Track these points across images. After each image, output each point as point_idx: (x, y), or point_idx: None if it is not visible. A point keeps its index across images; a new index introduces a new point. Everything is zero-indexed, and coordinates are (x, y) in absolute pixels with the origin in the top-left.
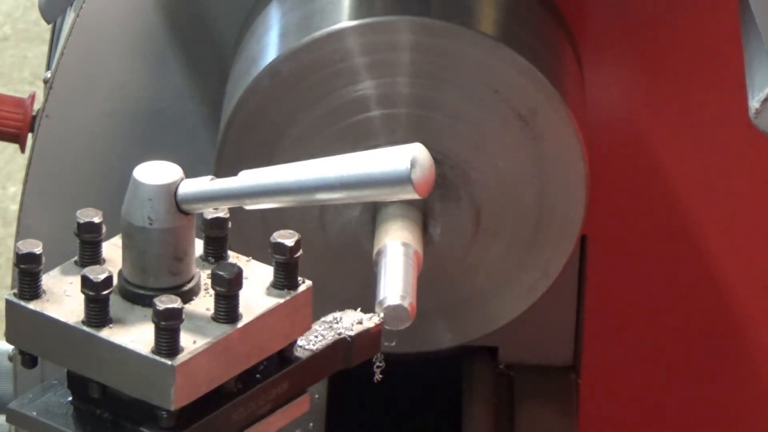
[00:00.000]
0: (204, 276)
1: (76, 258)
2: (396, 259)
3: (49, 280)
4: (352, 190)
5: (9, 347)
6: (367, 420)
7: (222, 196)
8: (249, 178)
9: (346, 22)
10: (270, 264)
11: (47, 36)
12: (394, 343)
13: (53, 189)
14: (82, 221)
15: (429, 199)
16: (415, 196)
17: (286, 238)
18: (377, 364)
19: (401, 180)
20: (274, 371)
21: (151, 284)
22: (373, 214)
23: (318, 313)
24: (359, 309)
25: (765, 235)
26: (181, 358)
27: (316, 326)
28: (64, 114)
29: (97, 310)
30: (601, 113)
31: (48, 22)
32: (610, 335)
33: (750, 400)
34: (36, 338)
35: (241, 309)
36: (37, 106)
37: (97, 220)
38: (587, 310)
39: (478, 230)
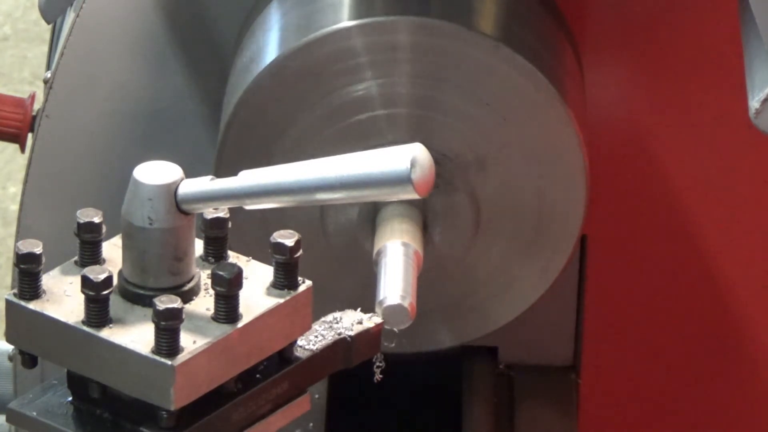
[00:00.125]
0: (204, 276)
1: (76, 258)
2: (396, 259)
3: (49, 280)
4: (352, 190)
5: (9, 347)
6: (367, 420)
7: (222, 196)
8: (249, 178)
9: (346, 22)
10: (270, 264)
11: (47, 36)
12: (393, 344)
13: (53, 189)
14: (82, 221)
15: (429, 199)
16: (415, 196)
17: (286, 238)
18: (377, 364)
19: (401, 180)
20: (274, 371)
21: (151, 284)
22: (373, 214)
23: (318, 313)
24: (359, 309)
25: (765, 235)
26: (181, 358)
27: (316, 326)
28: (64, 114)
29: (97, 310)
30: (601, 113)
31: (48, 22)
32: (610, 335)
33: (750, 400)
34: (36, 338)
35: (241, 309)
36: (37, 106)
37: (97, 220)
38: (587, 310)
39: (478, 230)
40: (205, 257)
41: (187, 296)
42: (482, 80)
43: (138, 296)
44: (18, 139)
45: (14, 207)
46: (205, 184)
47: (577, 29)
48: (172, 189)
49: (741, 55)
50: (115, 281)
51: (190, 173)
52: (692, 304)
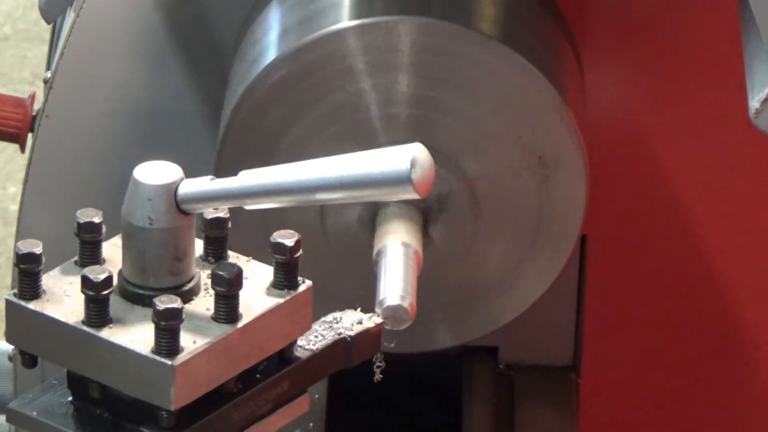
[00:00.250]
0: (204, 276)
1: (76, 258)
2: (396, 259)
3: (49, 280)
4: (352, 190)
5: (9, 347)
6: (367, 420)
7: (222, 196)
8: (249, 178)
9: (346, 22)
10: (270, 264)
11: (47, 36)
12: (393, 344)
13: (53, 189)
14: (82, 221)
15: (429, 199)
16: (415, 196)
17: (286, 238)
18: (377, 364)
19: (401, 180)
20: (274, 371)
21: (151, 284)
22: (373, 214)
23: (318, 313)
24: (359, 309)
25: (765, 235)
26: (181, 358)
27: (316, 326)
28: (64, 114)
29: (97, 310)
30: (601, 113)
31: (48, 22)
32: (610, 335)
33: (750, 400)
34: (36, 338)
35: (241, 309)
36: (37, 106)
37: (97, 220)
38: (587, 310)
39: (478, 230)
40: (205, 257)
41: (187, 296)
42: (482, 80)
43: (138, 296)
44: (18, 139)
45: (14, 207)
46: (205, 184)
47: (577, 29)
48: (172, 189)
49: (741, 55)
50: (115, 281)
51: (190, 173)
52: (692, 304)
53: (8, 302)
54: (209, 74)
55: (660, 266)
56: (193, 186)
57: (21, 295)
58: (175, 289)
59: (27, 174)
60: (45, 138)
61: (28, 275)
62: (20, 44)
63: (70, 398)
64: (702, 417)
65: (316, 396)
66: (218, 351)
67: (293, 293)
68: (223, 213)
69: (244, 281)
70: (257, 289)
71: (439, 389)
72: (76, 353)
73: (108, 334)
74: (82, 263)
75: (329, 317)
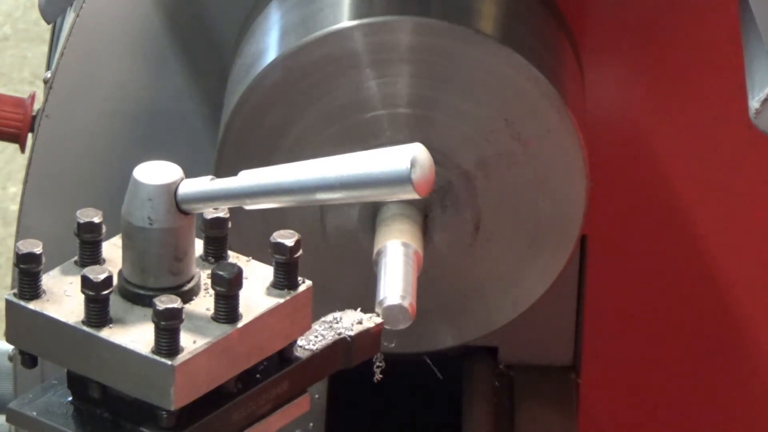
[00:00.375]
0: (204, 276)
1: (76, 258)
2: (396, 259)
3: (49, 280)
4: (352, 190)
5: (9, 347)
6: (367, 420)
7: (222, 196)
8: (249, 178)
9: (346, 22)
10: (270, 264)
11: (47, 36)
12: (393, 344)
13: (53, 189)
14: (82, 221)
15: (429, 199)
16: (415, 196)
17: (286, 238)
18: (377, 364)
19: (401, 180)
20: (274, 371)
21: (151, 284)
22: (373, 214)
23: (318, 313)
24: (359, 309)
25: (765, 235)
26: (181, 358)
27: (316, 326)
28: (64, 114)
29: (97, 310)
30: (601, 113)
31: (48, 22)
32: (610, 335)
33: (750, 400)
34: (36, 338)
35: (241, 309)
36: (37, 106)
37: (97, 220)
38: (587, 310)
39: (478, 230)
40: (205, 257)
41: (187, 296)
42: (482, 80)
43: (138, 296)
44: (18, 139)
45: (14, 207)
46: (205, 184)
47: (577, 29)
48: (172, 189)
49: (741, 55)
50: (115, 281)
51: (190, 173)
52: (692, 304)
53: (8, 302)
54: (209, 74)
55: (660, 266)
56: (193, 186)
57: (21, 295)
58: (175, 289)
59: (27, 174)
60: (45, 138)
61: (28, 275)
62: (20, 44)
63: (70, 398)
64: (702, 417)
65: (316, 396)
66: (218, 351)
67: (293, 293)
68: (223, 213)
69: (244, 281)
70: (257, 289)
71: (439, 389)
72: (76, 353)
73: (108, 334)
74: (82, 263)
75: (329, 317)
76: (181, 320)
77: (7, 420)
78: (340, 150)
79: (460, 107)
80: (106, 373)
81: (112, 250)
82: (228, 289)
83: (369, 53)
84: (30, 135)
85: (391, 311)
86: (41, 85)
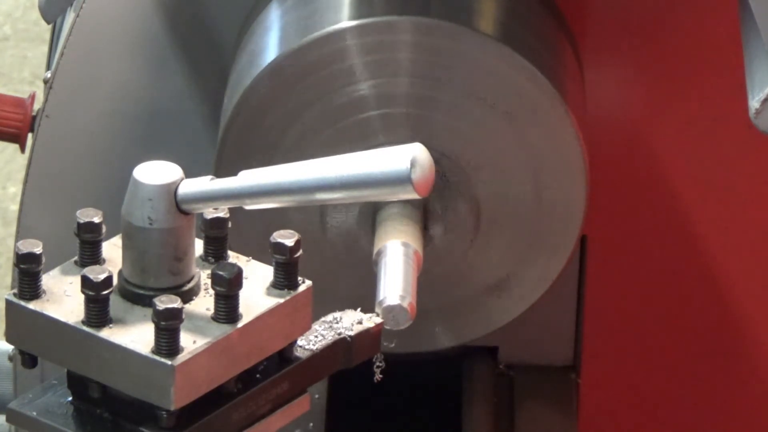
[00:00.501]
0: (204, 276)
1: (76, 258)
2: (396, 259)
3: (49, 280)
4: (352, 190)
5: (9, 347)
6: (367, 420)
7: (222, 196)
8: (249, 178)
9: (346, 22)
10: (270, 264)
11: (47, 36)
12: (393, 344)
13: (53, 189)
14: (82, 221)
15: (429, 199)
16: (415, 196)
17: (286, 238)
18: (377, 364)
19: (401, 180)
20: (274, 371)
21: (151, 284)
22: (373, 214)
23: (318, 313)
24: (359, 309)
25: (765, 235)
26: (181, 358)
27: (316, 326)
28: (64, 114)
29: (97, 310)
30: (601, 113)
31: (48, 22)
32: (610, 335)
33: (750, 400)
34: (36, 338)
35: (241, 309)
36: (37, 106)
37: (97, 220)
38: (587, 310)
39: (478, 230)
40: (205, 257)
41: (187, 296)
42: (482, 80)
43: (138, 296)
44: (18, 139)
45: (14, 207)
46: (205, 184)
47: (577, 29)
48: (172, 189)
49: (741, 55)
50: (115, 281)
51: (190, 173)
52: (692, 304)
53: (8, 302)
54: (209, 74)
55: (660, 266)
56: (193, 186)
57: (21, 295)
58: (175, 289)
59: (27, 174)
60: (45, 138)
61: (28, 275)
62: (20, 44)
63: (70, 398)
64: (702, 417)
65: (316, 396)
66: (218, 351)
67: (293, 293)
68: (223, 213)
69: (244, 281)
70: (257, 289)
71: (439, 389)
72: (76, 353)
73: (108, 334)
74: (82, 263)
75: (329, 317)
76: (181, 320)
77: (7, 420)
78: (340, 150)
79: (459, 107)
80: (106, 373)
81: (112, 250)
82: (228, 289)
83: (369, 53)
84: (30, 135)
85: (391, 311)
86: (41, 85)
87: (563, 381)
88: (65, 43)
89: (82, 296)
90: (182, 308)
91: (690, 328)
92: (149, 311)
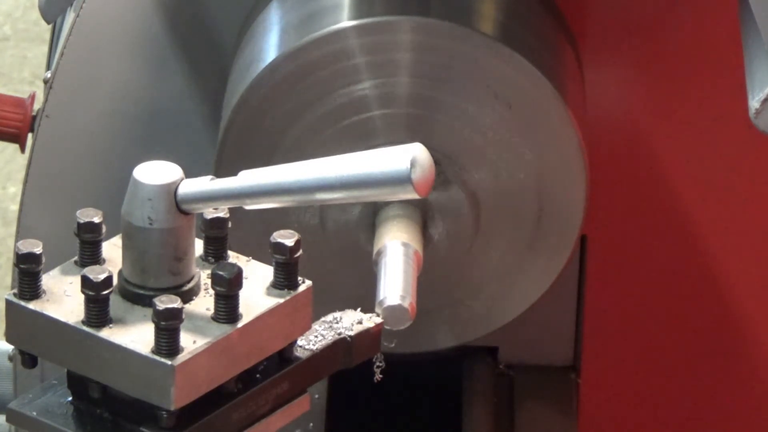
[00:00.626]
0: (204, 276)
1: (76, 258)
2: (396, 259)
3: (49, 280)
4: (352, 190)
5: (9, 347)
6: (367, 420)
7: (222, 196)
8: (249, 178)
9: (346, 22)
10: (270, 264)
11: (47, 36)
12: (393, 344)
13: (53, 189)
14: (82, 221)
15: (429, 199)
16: (415, 196)
17: (286, 238)
18: (377, 364)
19: (401, 180)
20: (274, 371)
21: (151, 284)
22: (373, 214)
23: (318, 313)
24: (359, 309)
25: (765, 235)
26: (181, 358)
27: (316, 326)
28: (64, 114)
29: (97, 310)
30: (601, 113)
31: (48, 22)
32: (610, 335)
33: (750, 400)
34: (36, 338)
35: (241, 309)
36: (37, 106)
37: (97, 220)
38: (587, 310)
39: (478, 230)
40: (205, 257)
41: (187, 296)
42: (482, 80)
43: (138, 296)
44: (18, 139)
45: (14, 207)
46: (205, 184)
47: (577, 29)
48: (172, 189)
49: (741, 55)
50: (115, 281)
51: (190, 173)
52: (692, 304)
53: (8, 302)
54: (209, 74)
55: (660, 266)
56: (193, 186)
57: (21, 295)
58: (175, 289)
59: (27, 174)
60: (45, 138)
61: (28, 275)
62: (20, 44)
63: (70, 398)
64: (702, 417)
65: (316, 396)
66: (218, 351)
67: (293, 293)
68: (223, 213)
69: (244, 281)
70: (257, 289)
71: (439, 389)
72: (76, 353)
73: (108, 334)
74: (82, 263)
75: (329, 317)
76: (181, 320)
77: (7, 420)
78: (340, 150)
79: (460, 107)
80: (106, 373)
81: (112, 250)
82: (228, 289)
83: (369, 53)
84: (30, 135)
85: (391, 311)
86: (41, 85)
87: (563, 381)
88: (65, 43)
89: (82, 296)
90: (182, 308)
91: (690, 328)
92: (149, 311)
